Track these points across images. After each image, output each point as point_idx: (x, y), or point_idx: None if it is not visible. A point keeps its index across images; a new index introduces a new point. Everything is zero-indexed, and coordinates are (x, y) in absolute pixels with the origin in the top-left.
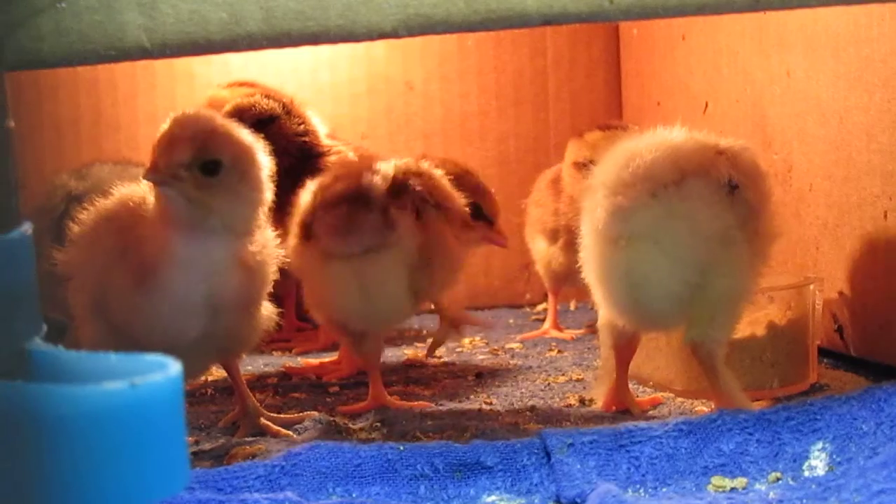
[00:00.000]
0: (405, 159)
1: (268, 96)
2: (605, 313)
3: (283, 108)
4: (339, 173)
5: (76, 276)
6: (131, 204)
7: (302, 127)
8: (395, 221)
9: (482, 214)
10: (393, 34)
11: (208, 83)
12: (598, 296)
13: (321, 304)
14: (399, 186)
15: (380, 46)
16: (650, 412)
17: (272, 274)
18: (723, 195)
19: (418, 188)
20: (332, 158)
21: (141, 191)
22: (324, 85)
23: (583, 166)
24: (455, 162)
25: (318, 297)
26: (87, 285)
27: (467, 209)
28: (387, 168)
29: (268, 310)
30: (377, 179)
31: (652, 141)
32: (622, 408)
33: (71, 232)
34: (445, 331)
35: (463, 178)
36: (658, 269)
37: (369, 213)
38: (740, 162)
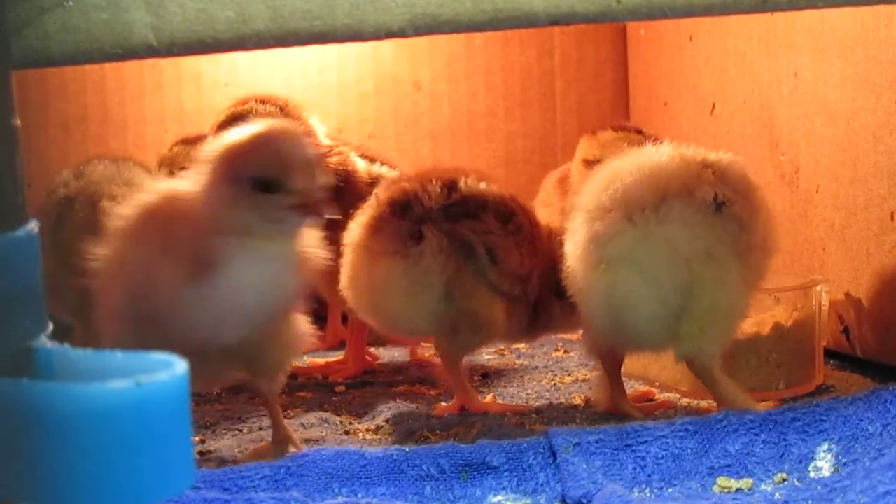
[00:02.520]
0: (502, 189)
1: (263, 101)
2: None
3: (281, 111)
4: (413, 174)
5: (112, 271)
6: (175, 197)
7: (302, 129)
8: (424, 236)
9: None
10: (400, 33)
11: (216, 82)
12: (583, 315)
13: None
14: (465, 210)
15: (387, 46)
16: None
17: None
18: (708, 214)
19: (470, 232)
20: (333, 159)
21: (181, 184)
22: (331, 85)
23: (592, 164)
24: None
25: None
26: (125, 280)
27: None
28: (468, 186)
29: (304, 325)
30: (435, 191)
31: (635, 162)
32: (622, 413)
33: (108, 226)
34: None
35: None
36: (637, 292)
37: (400, 218)
38: (728, 176)
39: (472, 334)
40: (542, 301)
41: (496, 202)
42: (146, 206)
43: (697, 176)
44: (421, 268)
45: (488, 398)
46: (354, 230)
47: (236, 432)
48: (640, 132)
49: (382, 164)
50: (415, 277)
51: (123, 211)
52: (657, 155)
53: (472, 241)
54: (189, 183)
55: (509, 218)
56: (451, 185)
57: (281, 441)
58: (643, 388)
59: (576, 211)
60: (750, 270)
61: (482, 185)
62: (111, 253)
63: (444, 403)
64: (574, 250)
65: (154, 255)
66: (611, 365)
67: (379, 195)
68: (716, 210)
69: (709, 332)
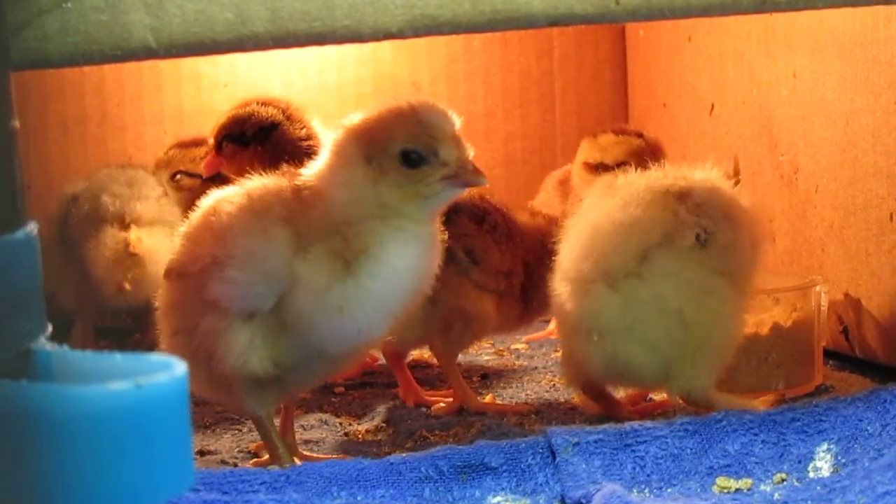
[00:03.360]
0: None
1: (265, 103)
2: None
3: (283, 113)
4: None
5: (215, 269)
6: (284, 188)
7: (304, 131)
8: None
9: None
10: (399, 35)
11: (215, 84)
12: (579, 361)
13: None
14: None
15: (386, 47)
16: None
17: None
18: (693, 253)
19: (450, 238)
20: None
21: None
22: (330, 86)
23: (593, 167)
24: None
25: None
26: (239, 276)
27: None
28: None
29: None
30: None
31: (611, 218)
32: (616, 417)
33: (216, 220)
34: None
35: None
36: (635, 357)
37: None
38: (706, 203)
39: (465, 329)
40: (535, 285)
41: (467, 204)
42: (254, 199)
43: (675, 216)
44: None
45: (487, 398)
46: None
47: (236, 432)
48: (640, 135)
49: None
50: None
51: (224, 207)
52: (632, 204)
53: (450, 247)
54: (310, 170)
55: (483, 217)
56: None
57: (288, 448)
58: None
59: (560, 276)
60: (739, 284)
61: None
62: (207, 249)
63: (442, 404)
64: (565, 319)
65: (286, 251)
66: (594, 391)
67: None
68: (701, 247)
69: (700, 366)
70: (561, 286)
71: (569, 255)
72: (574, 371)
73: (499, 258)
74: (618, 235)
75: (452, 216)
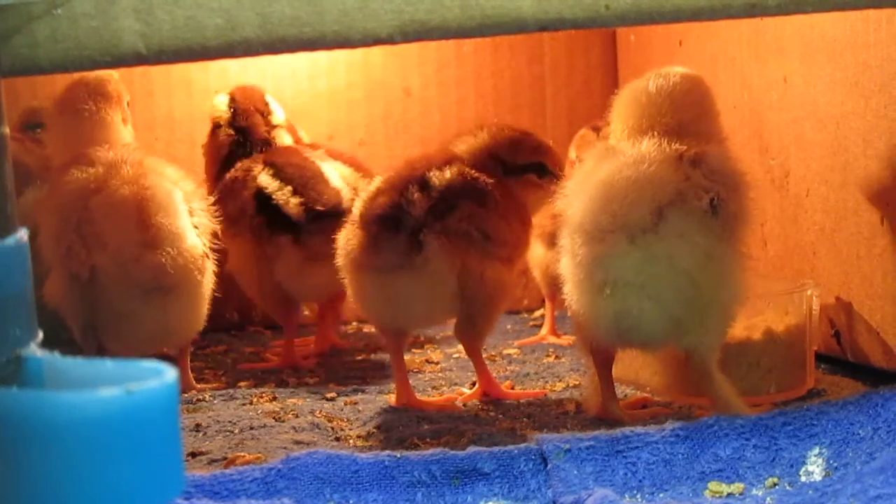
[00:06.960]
0: (464, 169)
1: (234, 98)
2: (580, 322)
3: (229, 116)
4: (386, 185)
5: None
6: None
7: (229, 139)
8: (424, 244)
9: (547, 171)
10: (389, 40)
11: (206, 90)
12: (586, 321)
13: (356, 305)
14: (446, 205)
15: (377, 52)
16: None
17: None
18: (704, 218)
19: (463, 221)
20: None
21: None
22: (321, 91)
23: (570, 163)
24: (511, 127)
25: (353, 298)
26: None
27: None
28: (439, 179)
29: None
30: (417, 197)
31: (626, 174)
32: (612, 418)
33: None
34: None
35: (522, 142)
36: (646, 315)
37: (397, 234)
38: (717, 171)
39: (489, 315)
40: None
41: (468, 187)
42: None
43: (687, 179)
44: (430, 272)
45: (505, 384)
46: (349, 249)
47: (227, 434)
48: (595, 128)
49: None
50: (428, 282)
51: None
52: (643, 162)
53: (468, 231)
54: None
55: (484, 198)
56: (424, 185)
57: None
58: (640, 395)
59: (572, 230)
60: (740, 244)
61: (448, 174)
62: None
63: (466, 390)
64: (574, 272)
65: None
66: (601, 361)
67: (363, 214)
68: (713, 214)
69: (709, 324)
70: (574, 238)
71: (582, 209)
72: (585, 335)
73: (508, 230)
74: (633, 190)
75: (460, 202)
